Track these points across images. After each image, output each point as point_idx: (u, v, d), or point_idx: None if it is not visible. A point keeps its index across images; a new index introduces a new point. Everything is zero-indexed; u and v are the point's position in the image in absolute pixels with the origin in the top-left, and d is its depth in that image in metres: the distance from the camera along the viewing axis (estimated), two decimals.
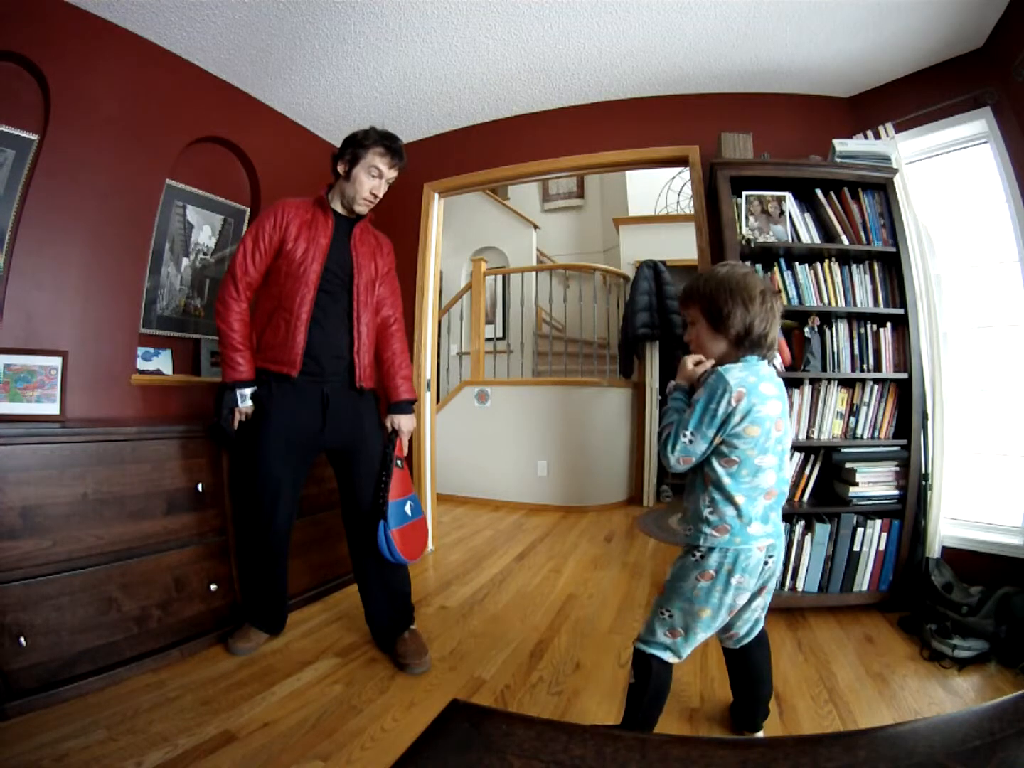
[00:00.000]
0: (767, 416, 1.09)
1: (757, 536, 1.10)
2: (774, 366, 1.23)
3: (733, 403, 1.07)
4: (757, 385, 1.09)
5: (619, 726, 1.21)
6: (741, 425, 1.07)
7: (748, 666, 1.27)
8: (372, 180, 1.60)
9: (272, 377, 1.58)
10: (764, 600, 1.19)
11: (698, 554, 1.12)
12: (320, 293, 1.59)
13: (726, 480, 1.10)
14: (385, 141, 1.59)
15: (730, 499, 1.10)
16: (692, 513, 1.16)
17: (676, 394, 1.20)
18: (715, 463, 1.11)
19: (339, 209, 1.66)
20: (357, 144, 1.59)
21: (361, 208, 1.64)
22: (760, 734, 1.28)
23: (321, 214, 1.63)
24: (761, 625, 1.25)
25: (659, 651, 1.16)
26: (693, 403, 1.12)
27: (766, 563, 1.13)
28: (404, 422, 1.74)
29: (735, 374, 1.08)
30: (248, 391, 1.57)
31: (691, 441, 1.10)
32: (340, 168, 1.62)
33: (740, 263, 1.24)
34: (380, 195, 1.64)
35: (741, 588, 1.11)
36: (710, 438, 1.09)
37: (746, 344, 1.13)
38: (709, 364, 1.17)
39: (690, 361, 1.19)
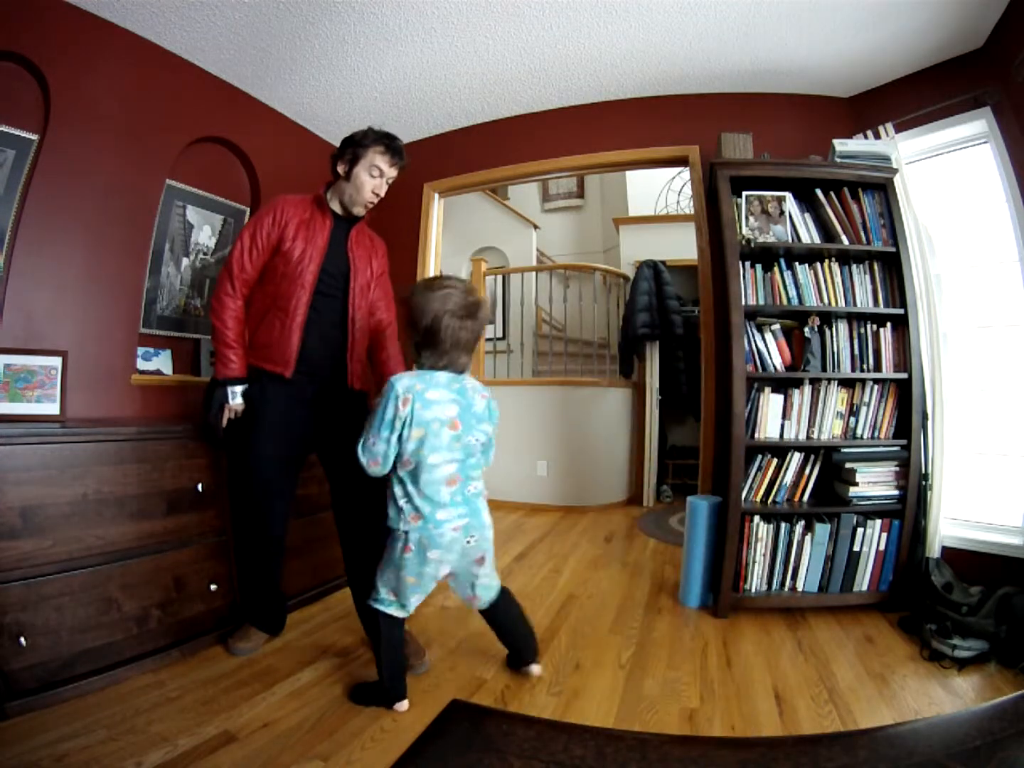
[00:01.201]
0: (433, 419, 1.28)
1: (449, 520, 1.31)
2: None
3: (401, 407, 1.25)
4: (424, 392, 1.27)
5: (379, 681, 1.38)
6: (408, 429, 1.27)
7: (500, 621, 1.51)
8: (373, 180, 1.59)
9: (265, 376, 1.58)
10: (487, 568, 1.43)
11: (402, 533, 1.32)
12: (316, 295, 1.58)
13: (408, 476, 1.31)
14: (385, 140, 1.59)
15: (414, 491, 1.30)
16: (392, 502, 1.35)
17: (377, 399, 1.36)
18: (397, 462, 1.31)
19: (337, 209, 1.65)
20: (356, 144, 1.58)
21: (361, 211, 1.64)
22: (535, 667, 1.53)
23: (319, 214, 1.63)
24: (496, 588, 1.48)
25: (384, 607, 1.38)
26: (373, 409, 1.30)
27: (468, 542, 1.35)
28: None
29: (404, 381, 1.28)
30: (239, 388, 1.56)
31: (374, 443, 1.28)
32: (340, 168, 1.61)
33: (457, 280, 1.37)
34: (381, 194, 1.64)
35: (439, 561, 1.33)
36: (387, 439, 1.27)
37: (427, 353, 1.32)
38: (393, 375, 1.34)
39: None
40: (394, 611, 1.39)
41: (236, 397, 1.56)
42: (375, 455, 1.29)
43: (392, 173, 1.63)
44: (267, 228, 1.57)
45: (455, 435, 1.31)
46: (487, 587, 1.47)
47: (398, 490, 1.33)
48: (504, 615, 1.52)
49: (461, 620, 1.96)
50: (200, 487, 1.70)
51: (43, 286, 1.81)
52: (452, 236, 5.28)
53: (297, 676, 1.54)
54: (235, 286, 1.57)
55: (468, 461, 1.35)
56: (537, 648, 1.56)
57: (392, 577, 1.37)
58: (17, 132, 1.75)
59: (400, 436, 1.28)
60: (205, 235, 2.36)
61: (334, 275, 1.62)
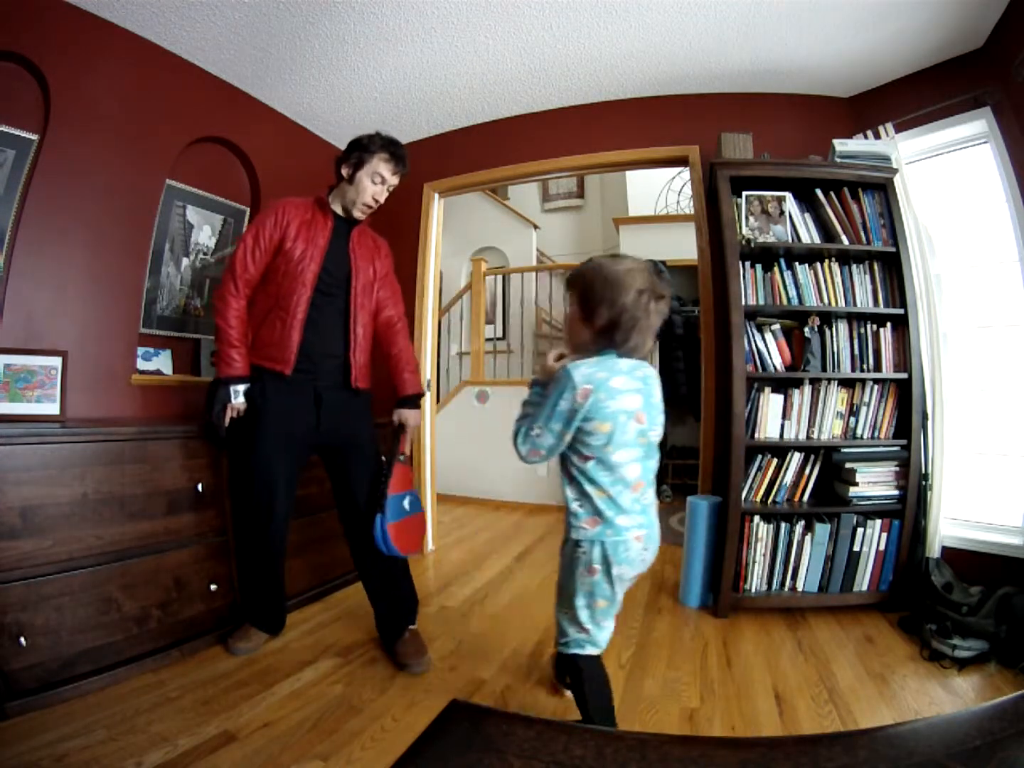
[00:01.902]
0: (619, 411, 1.10)
1: (630, 527, 1.13)
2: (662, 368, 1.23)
3: (579, 399, 1.08)
4: (607, 381, 1.09)
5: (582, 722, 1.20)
6: (591, 422, 1.09)
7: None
8: (375, 186, 1.61)
9: (266, 375, 1.59)
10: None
11: (579, 550, 1.15)
12: (316, 293, 1.59)
13: (586, 475, 1.13)
14: (390, 148, 1.61)
15: (594, 492, 1.12)
16: (566, 505, 1.19)
17: (535, 387, 1.22)
18: (573, 458, 1.15)
19: (339, 211, 1.67)
20: (363, 149, 1.60)
21: (359, 214, 1.65)
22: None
23: (320, 215, 1.63)
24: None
25: (578, 648, 1.18)
26: (544, 398, 1.14)
27: (643, 556, 1.18)
28: (411, 417, 1.77)
29: (583, 370, 1.09)
30: (242, 387, 1.57)
31: (539, 435, 1.12)
32: (344, 171, 1.62)
33: (633, 258, 1.20)
34: (381, 201, 1.66)
35: (623, 578, 1.16)
36: (557, 432, 1.11)
37: (609, 338, 1.13)
38: (568, 361, 1.16)
39: (551, 356, 1.20)
40: (589, 650, 1.18)
41: (239, 396, 1.57)
42: (539, 447, 1.13)
43: (394, 181, 1.65)
44: (269, 229, 1.58)
45: (640, 430, 1.14)
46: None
47: (571, 492, 1.17)
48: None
49: (461, 620, 1.96)
50: (200, 487, 1.70)
51: (43, 286, 1.81)
52: (452, 236, 5.28)
53: (297, 676, 1.54)
54: (238, 286, 1.58)
55: (648, 462, 1.18)
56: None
57: (579, 611, 1.17)
58: (17, 132, 1.75)
59: (578, 431, 1.11)
60: (205, 235, 2.36)
61: (335, 275, 1.63)
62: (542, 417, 1.12)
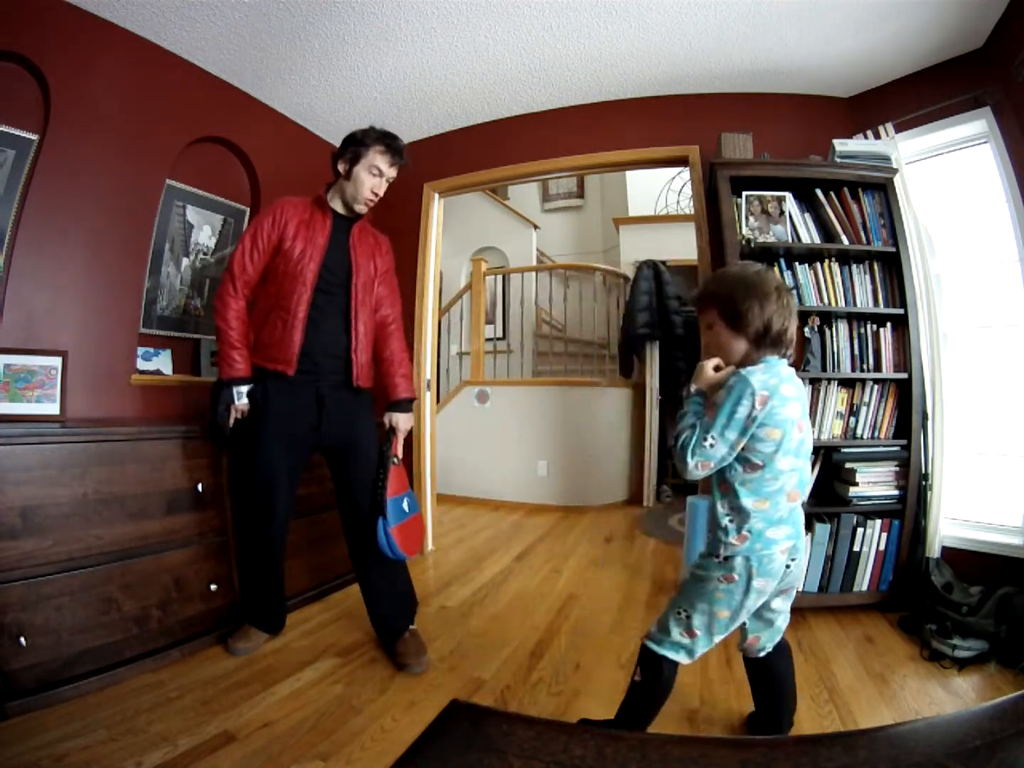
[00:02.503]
0: (788, 418, 1.08)
1: (778, 540, 1.09)
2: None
3: (758, 407, 1.05)
4: (779, 387, 1.07)
5: (613, 721, 1.20)
6: (764, 428, 1.06)
7: (771, 677, 1.25)
8: (373, 179, 1.60)
9: (268, 375, 1.58)
10: (786, 604, 1.19)
11: (721, 557, 1.11)
12: (317, 292, 1.59)
13: (748, 485, 1.09)
14: (386, 140, 1.60)
15: (751, 504, 1.09)
16: (713, 520, 1.15)
17: (695, 398, 1.17)
18: (738, 468, 1.11)
19: (338, 208, 1.66)
20: (358, 143, 1.59)
21: (361, 208, 1.64)
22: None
23: (319, 213, 1.63)
24: (782, 632, 1.22)
25: (671, 651, 1.14)
26: (714, 407, 1.09)
27: (788, 566, 1.12)
28: (401, 421, 1.74)
29: (758, 376, 1.06)
30: (245, 388, 1.57)
31: (712, 445, 1.07)
32: (341, 167, 1.62)
33: (750, 262, 1.22)
34: (381, 193, 1.65)
35: (762, 591, 1.10)
36: (732, 442, 1.07)
37: (766, 342, 1.11)
38: (730, 369, 1.13)
39: (709, 365, 1.16)
40: (681, 657, 1.14)
41: (242, 397, 1.57)
42: (710, 458, 1.08)
43: (392, 173, 1.64)
44: (267, 229, 1.58)
45: (801, 439, 1.12)
46: (778, 630, 1.21)
47: (723, 507, 1.13)
48: (784, 667, 1.25)
49: (461, 620, 1.96)
50: (200, 487, 1.70)
51: (43, 286, 1.81)
52: (452, 236, 5.28)
53: (297, 676, 1.54)
54: (237, 287, 1.58)
55: (803, 473, 1.15)
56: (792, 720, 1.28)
57: (699, 614, 1.12)
58: (17, 132, 1.75)
59: (751, 438, 1.08)
60: (205, 235, 2.36)
61: (335, 273, 1.63)
62: (717, 426, 1.07)
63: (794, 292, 1.15)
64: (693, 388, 1.18)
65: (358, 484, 1.67)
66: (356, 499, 1.67)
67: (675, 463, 1.15)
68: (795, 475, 1.12)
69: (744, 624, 1.19)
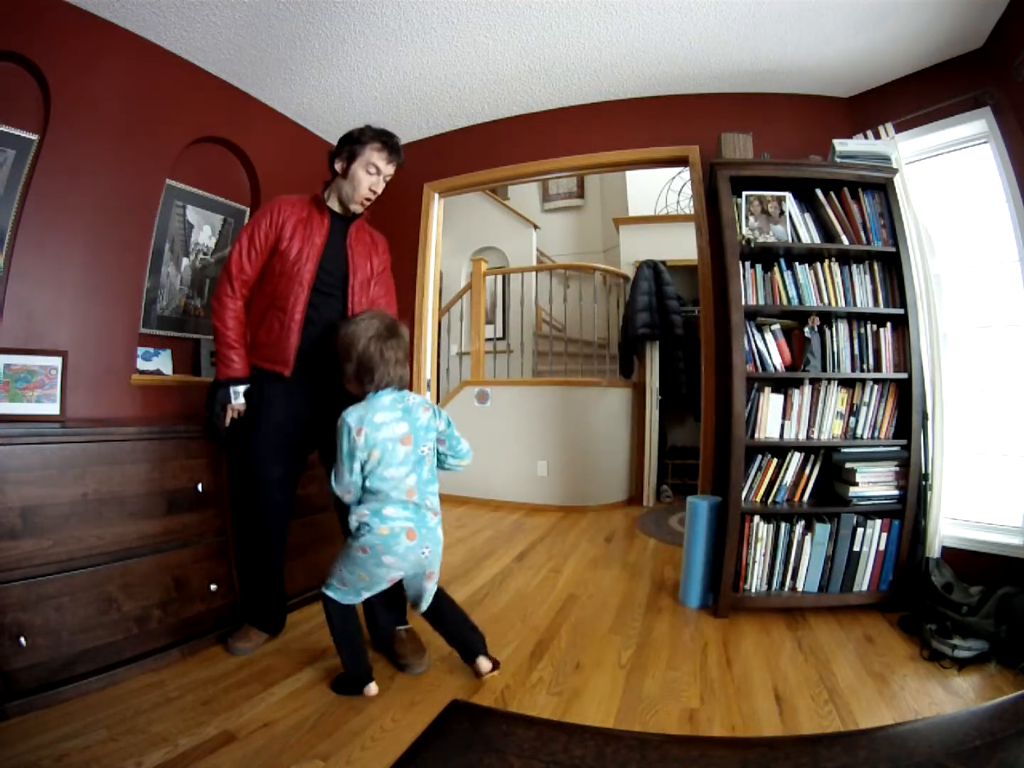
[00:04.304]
0: (386, 439, 1.38)
1: (395, 518, 1.38)
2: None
3: (356, 438, 1.35)
4: (372, 417, 1.38)
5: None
6: (367, 451, 1.37)
7: (441, 619, 1.54)
8: (370, 177, 1.60)
9: (265, 375, 1.58)
10: (434, 584, 1.49)
11: (360, 534, 1.39)
12: (314, 293, 1.58)
13: (371, 490, 1.40)
14: (383, 137, 1.59)
15: (375, 501, 1.38)
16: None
17: None
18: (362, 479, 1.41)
19: (335, 207, 1.66)
20: (354, 141, 1.59)
21: (358, 208, 1.64)
22: (482, 661, 1.51)
23: (316, 213, 1.63)
24: (431, 594, 1.50)
25: (332, 592, 1.45)
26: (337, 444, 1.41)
27: (423, 553, 1.41)
28: None
29: (353, 414, 1.38)
30: (241, 388, 1.57)
31: (342, 475, 1.39)
32: (338, 166, 1.62)
33: (374, 312, 1.52)
34: (378, 192, 1.64)
35: (392, 567, 1.39)
36: (351, 468, 1.38)
37: (363, 381, 1.42)
38: None
39: None
40: (340, 597, 1.45)
41: (238, 397, 1.56)
42: (346, 485, 1.40)
43: (389, 171, 1.63)
44: (264, 229, 1.58)
45: (408, 450, 1.41)
46: (428, 592, 1.51)
47: (363, 496, 1.43)
48: (445, 608, 1.55)
49: None
50: (200, 487, 1.70)
51: (43, 286, 1.81)
52: (452, 236, 5.28)
53: (297, 676, 1.54)
54: (234, 287, 1.58)
55: (422, 473, 1.44)
56: (484, 641, 1.56)
57: (346, 572, 1.44)
58: (17, 132, 1.75)
59: (363, 463, 1.38)
60: (205, 235, 2.36)
61: (332, 273, 1.62)
62: (341, 460, 1.40)
63: (402, 339, 1.50)
64: None
65: None
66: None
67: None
68: (412, 478, 1.41)
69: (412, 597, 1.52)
